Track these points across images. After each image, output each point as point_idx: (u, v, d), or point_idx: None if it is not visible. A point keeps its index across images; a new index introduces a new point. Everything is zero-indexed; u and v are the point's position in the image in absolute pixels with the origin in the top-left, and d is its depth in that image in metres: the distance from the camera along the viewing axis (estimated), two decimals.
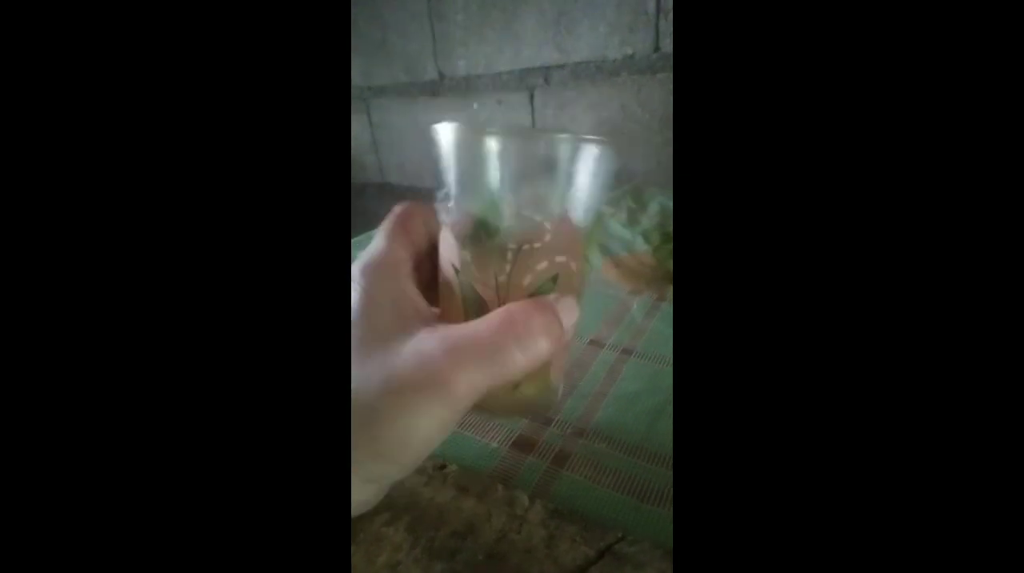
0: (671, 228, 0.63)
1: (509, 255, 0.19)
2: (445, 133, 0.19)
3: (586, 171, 0.19)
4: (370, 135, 1.31)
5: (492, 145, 0.19)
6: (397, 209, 0.22)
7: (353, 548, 0.24)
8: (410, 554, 0.24)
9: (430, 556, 0.24)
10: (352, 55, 1.22)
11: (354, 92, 1.27)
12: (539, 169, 0.19)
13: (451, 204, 0.20)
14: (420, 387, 0.17)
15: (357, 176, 1.39)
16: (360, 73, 1.23)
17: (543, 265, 0.19)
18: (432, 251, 0.22)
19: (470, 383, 0.17)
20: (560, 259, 0.20)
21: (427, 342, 0.18)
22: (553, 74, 0.99)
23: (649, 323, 0.45)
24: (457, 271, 0.20)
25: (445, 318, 0.21)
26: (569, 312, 0.20)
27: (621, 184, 0.92)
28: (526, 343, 0.18)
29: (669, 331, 0.44)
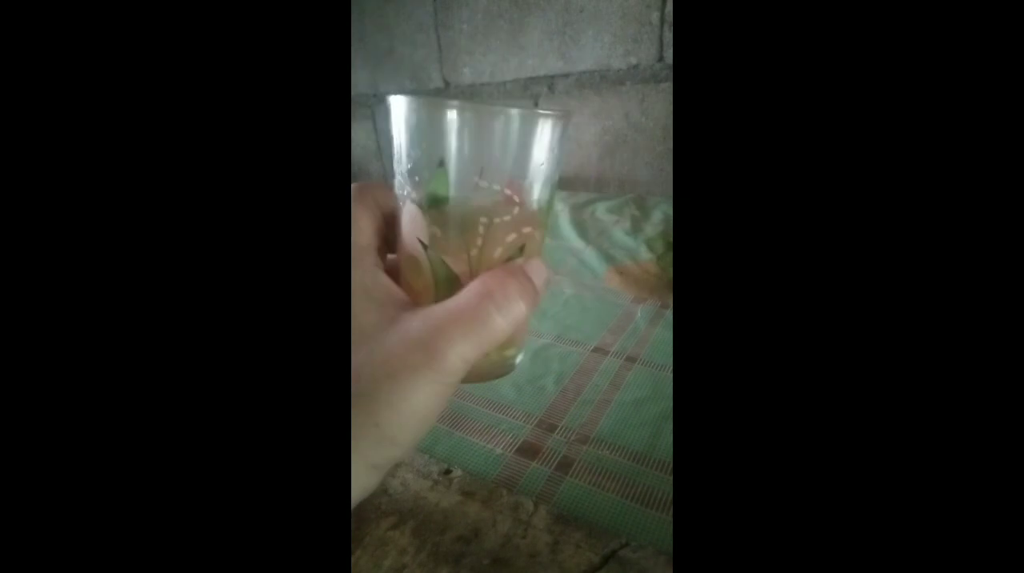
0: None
1: (481, 229, 0.20)
2: (399, 105, 0.20)
3: (542, 144, 0.19)
4: (375, 142, 1.32)
5: (448, 116, 0.19)
6: (352, 192, 0.22)
7: (359, 552, 0.25)
8: (416, 558, 0.24)
9: (435, 560, 0.24)
10: (359, 63, 1.23)
11: (360, 99, 1.28)
12: (495, 141, 0.19)
13: (417, 178, 0.20)
14: (413, 367, 0.17)
15: (362, 181, 1.40)
16: (366, 81, 1.24)
17: (512, 237, 0.20)
18: (389, 228, 0.23)
19: (460, 355, 0.18)
20: (527, 230, 0.21)
21: (412, 324, 0.18)
22: (557, 83, 1.00)
23: (653, 331, 0.46)
24: (425, 247, 0.21)
25: (412, 293, 0.21)
26: (539, 273, 0.21)
27: (625, 193, 0.93)
28: (506, 308, 0.19)
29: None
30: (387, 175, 1.35)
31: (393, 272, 0.22)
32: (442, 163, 0.19)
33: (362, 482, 0.18)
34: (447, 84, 1.12)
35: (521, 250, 0.21)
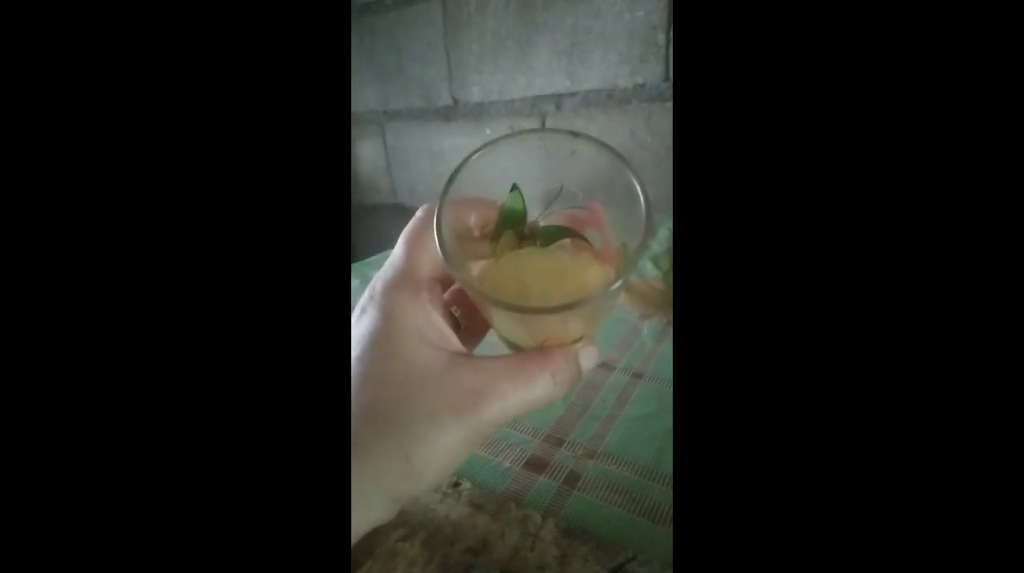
0: None
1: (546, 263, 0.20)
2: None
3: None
4: (384, 158, 1.34)
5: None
6: (419, 213, 0.21)
7: (369, 563, 0.25)
8: (425, 569, 0.25)
9: (445, 572, 0.25)
10: (369, 81, 1.25)
11: (370, 116, 1.30)
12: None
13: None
14: (457, 407, 0.18)
15: (371, 197, 1.41)
16: (376, 98, 1.26)
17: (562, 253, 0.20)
18: None
19: (503, 408, 0.18)
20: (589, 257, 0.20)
21: (461, 369, 0.19)
22: (565, 101, 1.01)
23: (659, 347, 0.46)
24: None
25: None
26: (589, 359, 0.21)
27: None
28: (554, 385, 0.19)
29: None
30: (395, 189, 1.37)
31: (456, 302, 0.22)
32: (515, 187, 0.19)
33: (378, 514, 0.18)
34: (455, 102, 1.14)
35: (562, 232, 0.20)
